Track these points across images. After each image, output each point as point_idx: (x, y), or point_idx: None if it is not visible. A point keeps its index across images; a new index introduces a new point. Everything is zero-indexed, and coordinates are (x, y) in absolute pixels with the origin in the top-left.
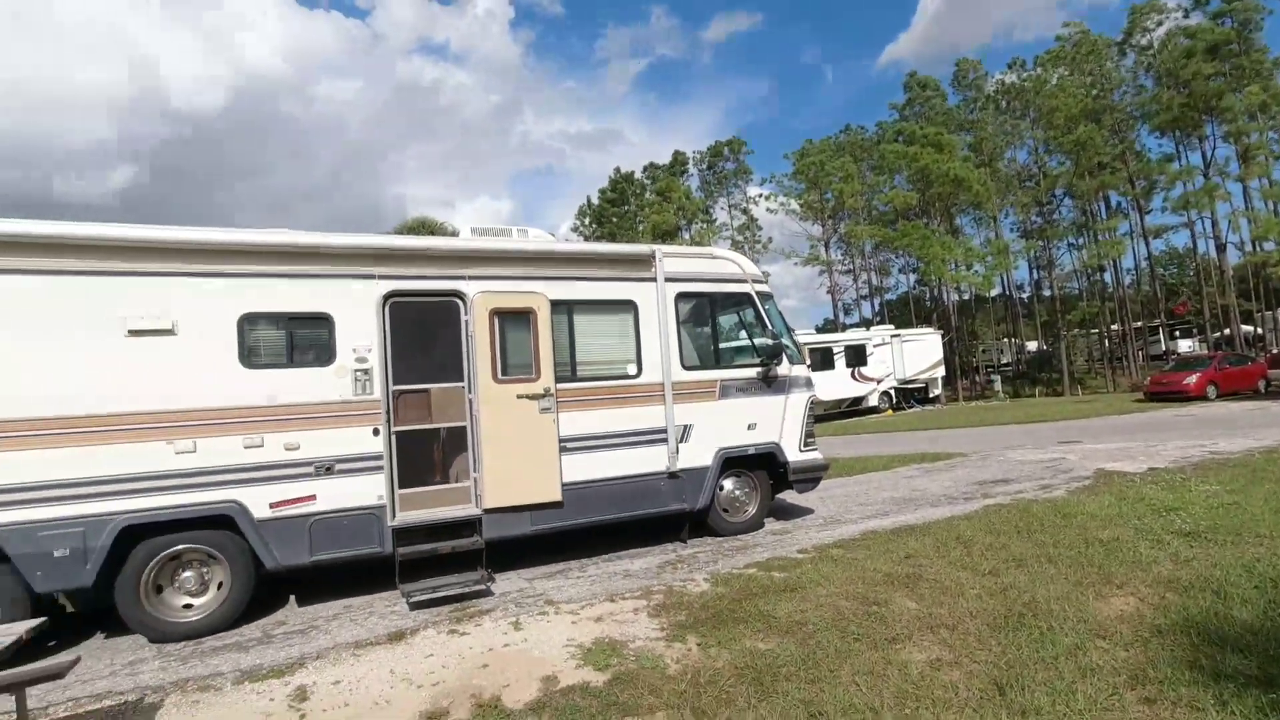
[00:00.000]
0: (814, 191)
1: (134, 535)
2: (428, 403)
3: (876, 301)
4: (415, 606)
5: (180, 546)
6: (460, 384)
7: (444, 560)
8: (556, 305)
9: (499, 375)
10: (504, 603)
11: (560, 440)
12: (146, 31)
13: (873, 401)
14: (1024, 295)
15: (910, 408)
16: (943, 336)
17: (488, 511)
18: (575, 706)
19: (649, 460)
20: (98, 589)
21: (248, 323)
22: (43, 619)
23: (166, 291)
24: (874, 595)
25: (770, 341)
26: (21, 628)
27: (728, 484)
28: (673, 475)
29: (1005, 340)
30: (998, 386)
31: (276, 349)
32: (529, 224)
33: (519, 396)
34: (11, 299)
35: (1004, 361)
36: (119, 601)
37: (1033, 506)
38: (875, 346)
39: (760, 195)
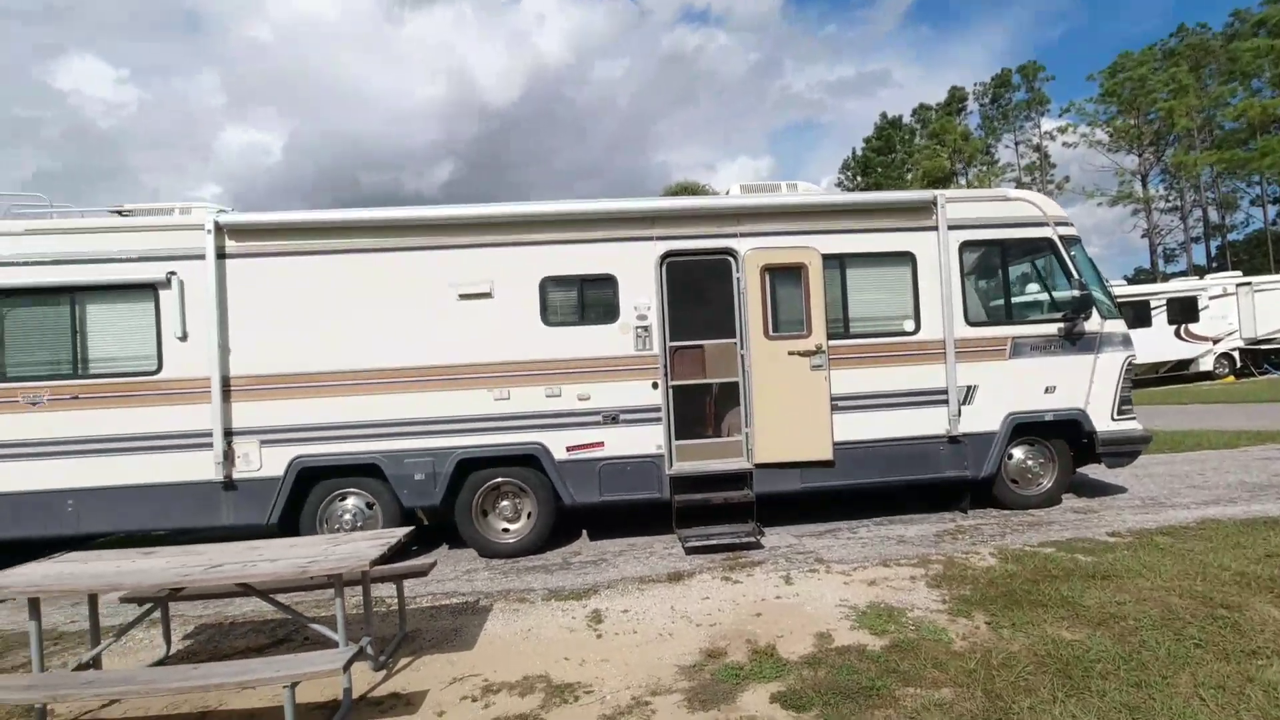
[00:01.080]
0: (1129, 115)
1: (466, 467)
2: (702, 359)
3: (1214, 243)
4: (690, 551)
5: (499, 479)
6: (732, 340)
7: (714, 510)
8: (829, 260)
9: (770, 332)
10: (773, 556)
11: (832, 398)
12: (464, 42)
13: (1205, 365)
14: None
15: (1264, 373)
16: None
17: (758, 466)
18: (851, 667)
19: (927, 422)
20: (442, 508)
21: (547, 285)
22: (412, 528)
23: (486, 260)
24: (1221, 597)
25: (1075, 293)
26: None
27: (1018, 452)
28: (953, 439)
29: None
30: None
31: (570, 308)
32: (789, 180)
33: (790, 353)
34: (374, 272)
35: None
36: (457, 520)
37: None
38: (1211, 299)
39: (1056, 129)
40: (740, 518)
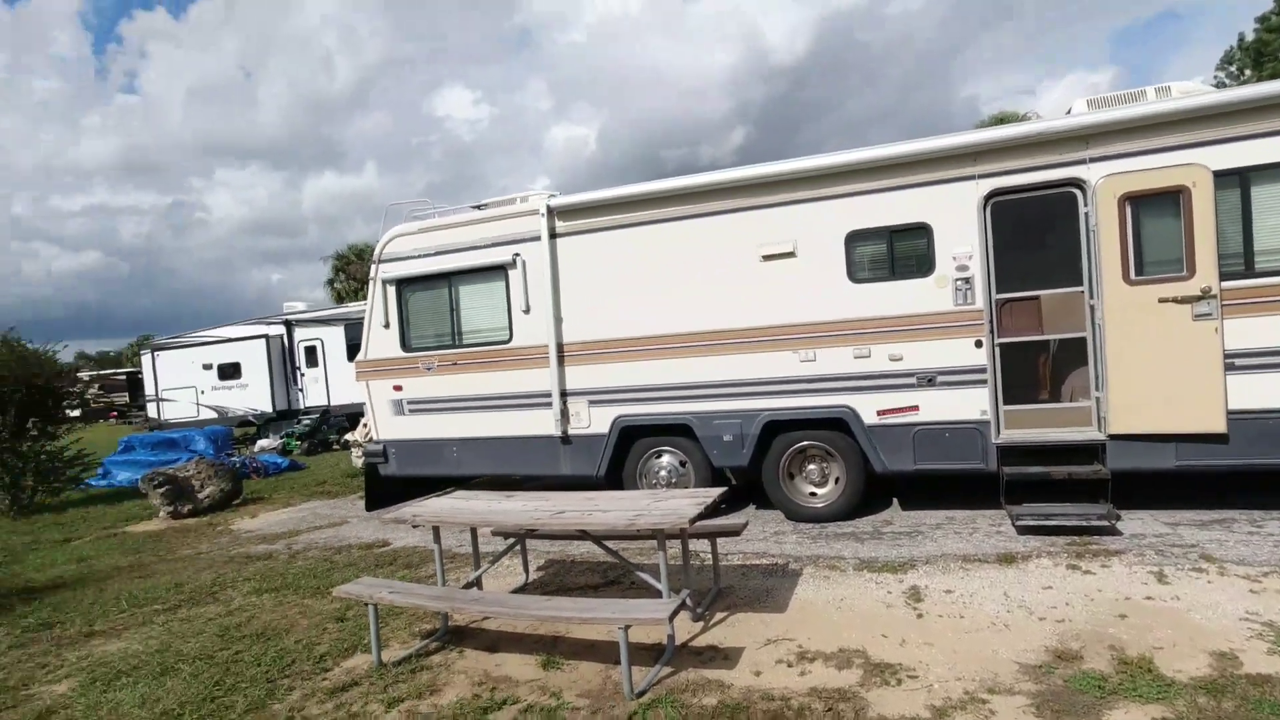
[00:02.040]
0: None
1: (773, 429)
2: (1037, 311)
3: None
4: (1023, 531)
5: (805, 443)
6: (1078, 288)
7: (1050, 486)
8: (1222, 177)
9: (1132, 275)
10: (1137, 546)
11: (1226, 355)
12: (753, 4)
13: None
14: None
15: None
16: None
17: (1113, 438)
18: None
19: None
20: (750, 469)
21: (852, 240)
22: (725, 488)
23: (788, 219)
24: None
25: None
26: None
27: None
28: None
29: None
30: None
31: (878, 263)
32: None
33: (1162, 300)
34: (681, 239)
35: None
36: (764, 482)
37: None
38: None
39: None
40: (1087, 495)
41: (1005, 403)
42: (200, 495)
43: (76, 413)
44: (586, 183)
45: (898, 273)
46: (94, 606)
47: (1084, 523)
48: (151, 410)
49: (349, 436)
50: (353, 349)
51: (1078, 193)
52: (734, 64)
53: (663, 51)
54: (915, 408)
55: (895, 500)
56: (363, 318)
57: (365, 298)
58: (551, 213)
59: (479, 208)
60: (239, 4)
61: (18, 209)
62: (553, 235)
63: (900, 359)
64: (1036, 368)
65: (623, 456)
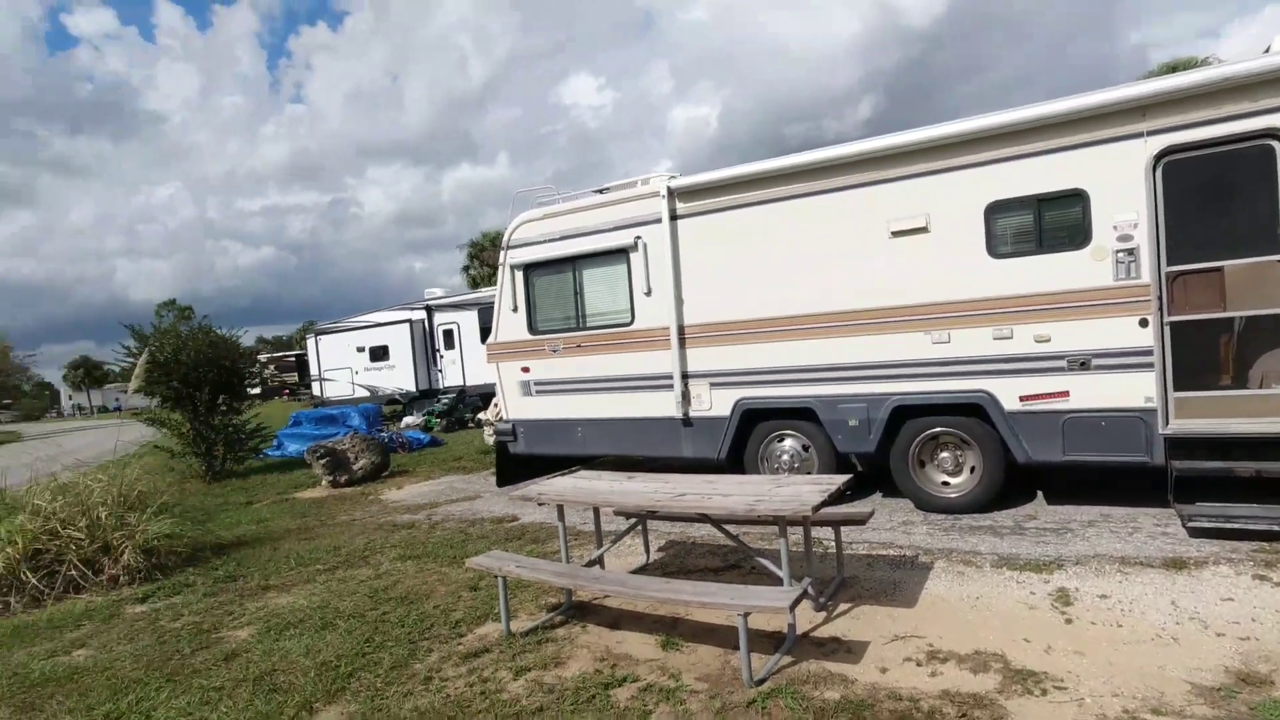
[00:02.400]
0: None
1: (902, 414)
2: (1219, 285)
3: None
4: (1196, 534)
5: (937, 429)
6: (1273, 257)
7: (1229, 484)
8: None
9: None
10: None
11: None
12: None
13: None
14: None
15: None
16: None
17: None
18: None
19: None
20: (877, 456)
21: (993, 211)
22: (851, 475)
23: (920, 191)
24: None
25: None
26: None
27: None
28: None
29: None
30: None
31: (1023, 235)
32: None
33: None
34: (803, 217)
35: None
36: (892, 469)
37: None
38: None
39: None
40: (1269, 497)
41: (1176, 389)
42: (354, 467)
43: (256, 391)
44: (708, 164)
45: (1046, 245)
46: (269, 563)
47: (1274, 527)
48: (315, 389)
49: (482, 415)
50: (486, 332)
51: (1276, 145)
52: (863, 30)
53: (786, 23)
54: (1065, 393)
55: (1039, 493)
56: (494, 302)
57: (496, 283)
58: (672, 194)
59: (601, 192)
60: (386, 14)
61: (211, 213)
62: (673, 217)
63: (1047, 340)
64: (1216, 349)
65: (744, 439)
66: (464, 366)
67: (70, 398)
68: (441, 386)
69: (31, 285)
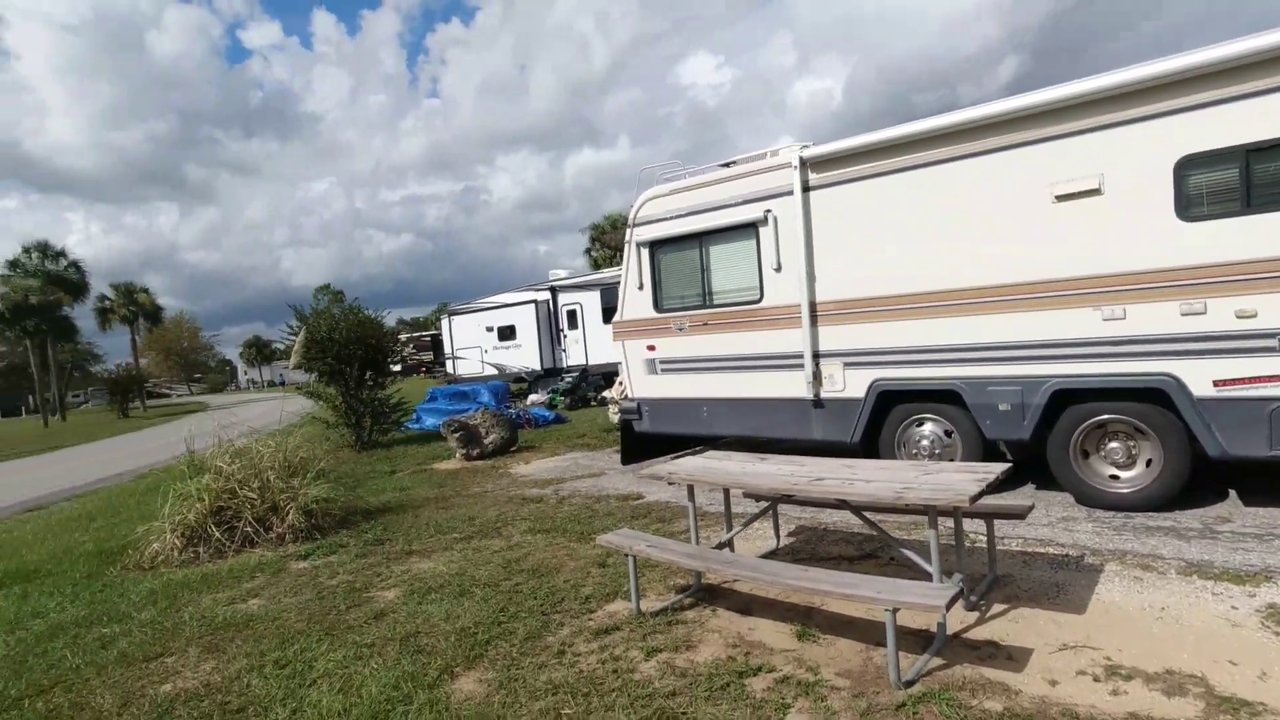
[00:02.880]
0: None
1: (1063, 399)
2: None
3: None
4: None
5: (1105, 416)
6: None
7: None
8: None
9: None
10: None
11: None
12: None
13: None
14: None
15: None
16: None
17: None
18: None
19: None
20: (1031, 444)
21: (1185, 167)
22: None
23: (1091, 148)
24: None
25: None
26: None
27: None
28: None
29: None
30: None
31: (1224, 193)
32: None
33: None
34: (948, 184)
35: None
36: (1050, 459)
37: None
38: None
39: None
40: None
41: None
42: (486, 441)
43: (398, 368)
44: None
45: (1255, 205)
46: (411, 530)
47: None
48: (449, 367)
49: (605, 394)
50: (608, 312)
51: None
52: None
53: None
54: (1275, 378)
55: (1231, 492)
56: (616, 283)
57: (619, 264)
58: (805, 165)
59: (728, 165)
60: (513, 6)
61: (359, 204)
62: (805, 189)
63: (1253, 315)
64: None
65: (879, 423)
66: (586, 346)
67: (245, 373)
68: (565, 365)
69: (216, 273)
